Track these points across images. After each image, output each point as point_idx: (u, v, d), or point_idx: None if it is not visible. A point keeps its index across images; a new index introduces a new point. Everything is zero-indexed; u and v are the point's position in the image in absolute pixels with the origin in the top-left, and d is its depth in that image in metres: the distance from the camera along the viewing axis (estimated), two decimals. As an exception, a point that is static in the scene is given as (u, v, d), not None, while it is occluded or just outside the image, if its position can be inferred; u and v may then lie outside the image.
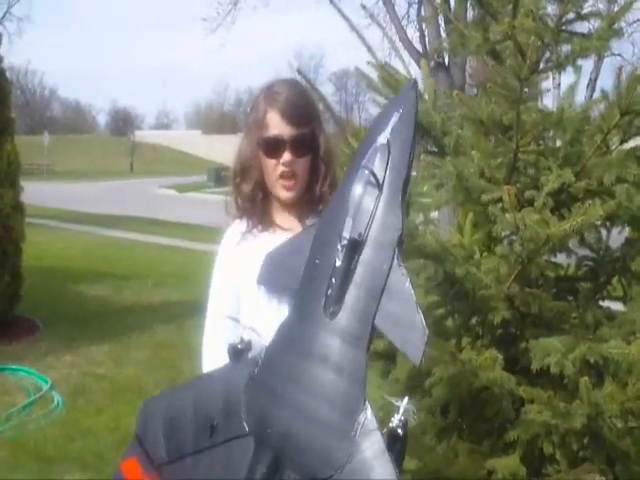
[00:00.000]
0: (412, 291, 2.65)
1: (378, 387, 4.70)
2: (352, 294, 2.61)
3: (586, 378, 3.55)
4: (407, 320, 2.64)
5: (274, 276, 2.91)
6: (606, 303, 4.50)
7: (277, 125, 3.04)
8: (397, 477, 2.49)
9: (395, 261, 2.62)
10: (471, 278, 4.03)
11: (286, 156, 3.03)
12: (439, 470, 3.91)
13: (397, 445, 2.60)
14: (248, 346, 2.82)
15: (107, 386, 8.24)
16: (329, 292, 2.60)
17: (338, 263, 2.58)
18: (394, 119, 2.60)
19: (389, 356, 4.35)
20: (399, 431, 2.59)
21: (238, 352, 2.80)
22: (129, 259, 18.06)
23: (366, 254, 2.60)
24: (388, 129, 2.59)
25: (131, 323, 11.05)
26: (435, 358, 3.83)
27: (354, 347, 2.63)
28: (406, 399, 2.64)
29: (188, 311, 11.47)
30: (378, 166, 2.60)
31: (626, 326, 4.05)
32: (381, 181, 2.59)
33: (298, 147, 3.05)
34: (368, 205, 2.60)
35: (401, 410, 2.61)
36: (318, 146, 3.12)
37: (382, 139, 2.59)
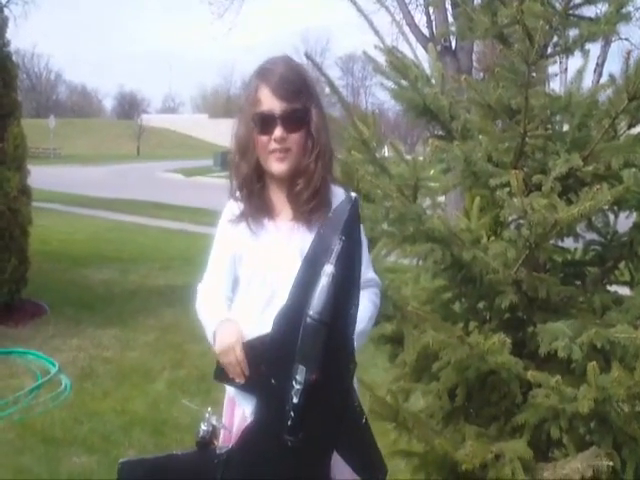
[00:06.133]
0: (369, 428, 2.83)
1: (385, 371, 4.72)
2: (311, 426, 2.67)
3: (594, 363, 3.55)
4: (367, 456, 2.85)
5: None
6: (613, 288, 4.51)
7: (268, 100, 3.02)
8: None
9: (351, 399, 2.78)
10: (478, 262, 4.03)
11: (277, 132, 3.01)
12: (446, 453, 3.91)
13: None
14: (214, 435, 2.93)
15: (114, 369, 8.24)
16: (288, 423, 2.65)
17: (295, 400, 2.62)
18: (337, 248, 2.58)
19: (397, 340, 4.37)
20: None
21: (206, 443, 2.90)
22: (135, 243, 18.06)
23: (323, 390, 2.63)
24: (333, 259, 2.57)
25: (137, 306, 11.06)
26: (443, 342, 3.84)
27: (315, 468, 2.78)
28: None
29: (194, 294, 11.42)
30: (326, 305, 2.58)
31: (633, 311, 4.05)
32: (328, 321, 2.58)
33: (289, 122, 3.03)
34: (318, 347, 2.60)
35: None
36: (310, 121, 3.09)
37: (328, 269, 2.57)
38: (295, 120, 3.04)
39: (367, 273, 3.15)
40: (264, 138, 3.04)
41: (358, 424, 2.81)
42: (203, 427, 2.89)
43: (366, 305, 3.07)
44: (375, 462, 2.91)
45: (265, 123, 3.02)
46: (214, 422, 2.92)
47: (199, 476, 2.87)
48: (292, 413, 2.62)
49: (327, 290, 2.56)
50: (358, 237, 2.67)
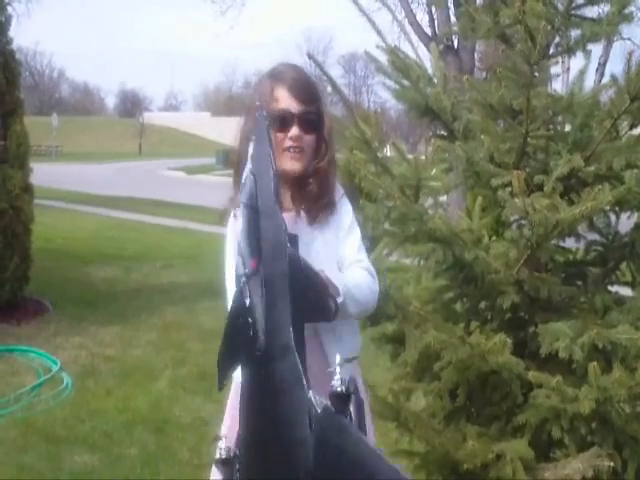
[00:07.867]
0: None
1: (387, 370, 4.72)
2: (278, 325, 2.64)
3: (595, 363, 3.56)
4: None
5: None
6: (615, 288, 4.51)
7: (286, 100, 3.10)
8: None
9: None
10: (480, 262, 4.04)
11: (294, 130, 3.09)
12: (447, 453, 3.93)
13: (347, 405, 2.70)
14: (230, 456, 2.78)
15: (116, 367, 8.23)
16: (261, 342, 2.61)
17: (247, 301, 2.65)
18: (251, 149, 2.80)
19: (398, 339, 4.37)
20: (340, 390, 2.67)
21: (226, 464, 2.77)
22: (138, 241, 18.04)
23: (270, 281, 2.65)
24: (249, 161, 2.78)
25: (140, 304, 11.04)
26: (444, 342, 3.84)
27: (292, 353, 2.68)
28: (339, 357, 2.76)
29: (197, 292, 11.48)
30: (252, 194, 2.71)
31: (635, 311, 4.06)
32: (257, 205, 2.70)
33: (306, 123, 3.11)
34: (254, 234, 2.68)
35: (337, 369, 2.70)
36: (323, 124, 3.18)
37: (247, 172, 2.76)
38: (310, 122, 3.12)
39: (359, 254, 3.20)
40: (280, 135, 3.08)
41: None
42: (221, 445, 2.75)
43: (360, 273, 3.12)
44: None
45: (282, 121, 3.08)
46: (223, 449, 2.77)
47: None
48: (260, 334, 2.60)
49: (248, 183, 2.73)
50: (266, 135, 2.81)
